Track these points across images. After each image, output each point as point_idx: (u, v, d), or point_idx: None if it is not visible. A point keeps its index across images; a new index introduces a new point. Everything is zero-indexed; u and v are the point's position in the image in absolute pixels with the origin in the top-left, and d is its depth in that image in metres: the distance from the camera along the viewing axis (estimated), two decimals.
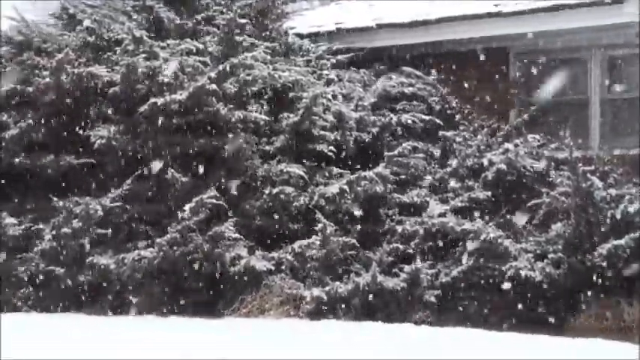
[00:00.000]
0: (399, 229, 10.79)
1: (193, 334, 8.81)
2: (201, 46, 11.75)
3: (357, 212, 10.90)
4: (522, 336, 8.71)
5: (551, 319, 9.87)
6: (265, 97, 11.64)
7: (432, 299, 10.15)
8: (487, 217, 10.58)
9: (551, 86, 11.94)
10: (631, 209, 9.99)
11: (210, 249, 10.41)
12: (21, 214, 11.29)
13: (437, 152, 11.66)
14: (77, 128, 11.40)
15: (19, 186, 11.62)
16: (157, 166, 10.94)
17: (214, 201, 10.56)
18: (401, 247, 10.63)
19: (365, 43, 12.66)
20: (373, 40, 12.67)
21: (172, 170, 10.74)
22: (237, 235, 10.53)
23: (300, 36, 12.87)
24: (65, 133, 11.51)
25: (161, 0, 12.43)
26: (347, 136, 11.54)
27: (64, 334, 9.12)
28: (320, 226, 10.39)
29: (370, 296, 10.08)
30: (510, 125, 11.72)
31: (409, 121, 11.73)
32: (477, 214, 10.65)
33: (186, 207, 10.45)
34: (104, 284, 10.78)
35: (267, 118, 11.30)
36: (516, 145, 10.95)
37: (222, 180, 10.94)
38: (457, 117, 11.96)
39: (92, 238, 10.87)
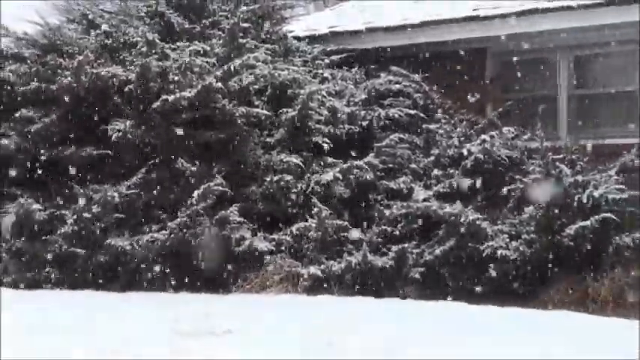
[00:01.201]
0: (387, 212, 10.78)
1: (203, 307, 8.88)
2: (208, 48, 11.73)
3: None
4: (498, 308, 8.74)
5: (524, 293, 9.89)
6: (266, 94, 11.64)
7: (417, 276, 10.18)
8: (467, 202, 10.57)
9: (524, 83, 11.95)
10: (596, 194, 10.00)
11: (216, 231, 10.46)
12: (45, 200, 11.29)
13: (421, 143, 11.63)
14: (96, 122, 11.38)
15: (43, 175, 11.59)
16: (168, 156, 10.99)
17: (220, 188, 10.60)
18: (389, 229, 10.64)
19: (356, 44, 12.65)
20: (363, 42, 12.66)
21: (182, 160, 10.76)
22: (241, 219, 10.57)
23: (298, 39, 12.85)
24: (85, 127, 11.49)
25: (172, 6, 12.41)
26: (340, 129, 11.54)
27: (87, 308, 9.21)
28: (316, 210, 10.45)
29: (361, 273, 10.15)
30: (487, 119, 11.69)
31: (396, 115, 11.71)
32: (457, 199, 10.62)
33: (195, 193, 10.49)
34: (121, 264, 10.81)
35: (267, 113, 11.32)
36: (492, 137, 10.93)
37: (228, 169, 10.95)
38: (439, 111, 11.89)
39: (110, 222, 10.91)
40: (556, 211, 10.07)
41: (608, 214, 9.86)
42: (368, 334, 7.41)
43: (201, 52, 11.64)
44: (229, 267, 10.59)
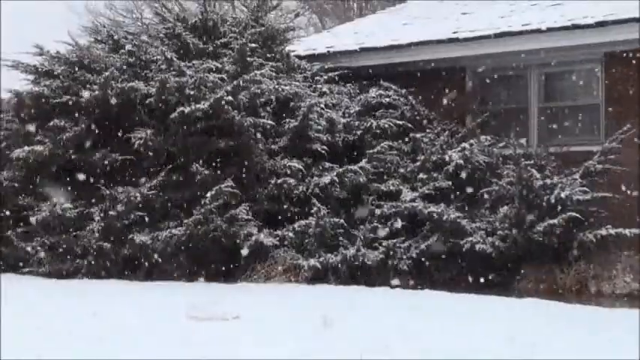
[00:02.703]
0: (378, 211, 10.80)
1: (215, 295, 8.92)
2: (219, 66, 11.70)
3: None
4: (475, 296, 8.80)
5: (499, 283, 9.93)
6: (271, 106, 11.60)
7: (405, 268, 10.23)
8: (448, 202, 10.61)
9: (499, 97, 11.97)
10: (562, 195, 10.03)
11: (227, 228, 10.47)
12: (75, 200, 11.33)
13: (408, 150, 11.59)
14: (120, 131, 11.39)
15: (73, 177, 11.58)
16: (184, 161, 11.01)
17: (230, 189, 10.60)
18: (379, 226, 10.65)
19: (351, 63, 12.59)
20: (357, 60, 12.60)
21: (197, 165, 10.76)
22: (248, 217, 10.58)
23: (299, 57, 12.79)
24: (110, 135, 11.52)
25: (187, 28, 12.35)
26: (337, 137, 11.52)
27: (112, 295, 9.28)
28: (315, 209, 10.48)
29: (355, 265, 10.19)
30: (466, 128, 11.64)
31: (386, 125, 11.65)
32: (440, 199, 10.66)
33: (208, 194, 10.51)
34: (142, 256, 10.84)
35: (272, 123, 11.29)
36: (471, 145, 10.89)
37: (237, 172, 10.94)
38: (424, 122, 11.85)
39: (132, 219, 10.96)
40: (527, 210, 10.10)
41: (574, 213, 9.90)
42: (360, 318, 7.50)
43: (214, 69, 11.62)
44: (238, 259, 10.60)
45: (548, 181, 10.31)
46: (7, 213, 11.93)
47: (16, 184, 11.90)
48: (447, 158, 10.94)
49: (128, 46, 12.33)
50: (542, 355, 5.87)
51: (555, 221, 9.86)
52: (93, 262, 11.03)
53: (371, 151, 11.32)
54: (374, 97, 12.08)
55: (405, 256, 10.31)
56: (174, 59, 11.58)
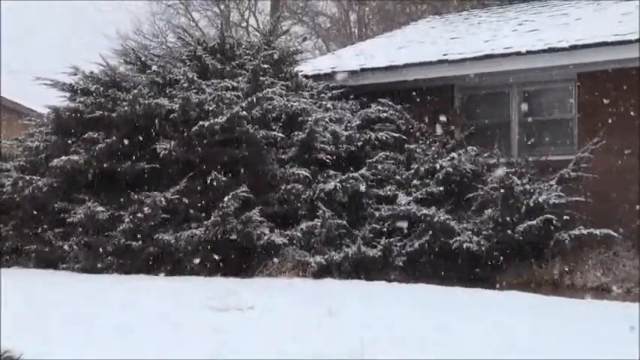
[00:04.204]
0: (377, 214, 10.83)
1: (231, 288, 8.98)
2: (235, 84, 11.74)
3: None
4: (462, 288, 8.86)
5: (484, 277, 9.96)
6: (281, 120, 11.63)
7: (400, 264, 10.25)
8: (439, 205, 10.61)
9: (484, 111, 12.01)
10: (540, 199, 10.08)
11: (242, 228, 10.49)
12: (107, 204, 11.36)
13: (403, 159, 11.61)
14: (147, 142, 11.44)
15: (106, 184, 11.66)
16: (204, 169, 11.04)
17: (245, 194, 10.63)
18: (377, 226, 10.68)
19: (352, 81, 12.60)
20: (358, 79, 12.62)
21: (215, 172, 10.79)
22: (261, 219, 10.58)
23: (306, 77, 12.78)
24: (138, 146, 11.56)
25: (207, 51, 12.40)
26: (339, 148, 11.52)
27: (139, 288, 9.35)
28: (320, 212, 10.50)
29: (356, 262, 10.20)
30: (455, 140, 11.70)
31: (383, 137, 11.69)
32: (432, 203, 10.67)
33: (225, 198, 10.53)
34: (166, 254, 10.88)
35: (282, 135, 11.32)
36: (459, 154, 10.92)
37: (251, 179, 10.96)
38: (417, 134, 11.89)
39: (158, 220, 10.98)
40: (509, 212, 10.14)
41: (550, 216, 9.94)
42: (360, 307, 7.58)
43: (230, 87, 11.66)
44: (252, 256, 10.64)
45: (527, 186, 10.35)
46: (47, 215, 12.04)
47: (54, 190, 11.97)
48: (437, 166, 10.96)
49: (154, 67, 12.41)
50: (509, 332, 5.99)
51: (534, 222, 9.90)
52: (122, 259, 11.08)
53: (370, 160, 11.35)
54: (373, 112, 12.11)
55: (400, 254, 10.32)
56: (195, 78, 11.64)
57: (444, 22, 15.75)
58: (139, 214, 10.93)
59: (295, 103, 11.63)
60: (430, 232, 10.33)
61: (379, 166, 11.29)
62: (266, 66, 12.06)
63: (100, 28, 32.39)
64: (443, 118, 12.02)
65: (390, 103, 12.15)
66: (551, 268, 9.88)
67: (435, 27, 15.17)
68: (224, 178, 10.79)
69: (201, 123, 10.88)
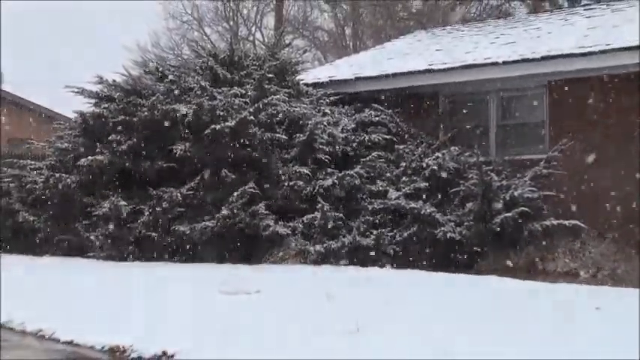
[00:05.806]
0: (370, 207, 10.81)
1: (240, 274, 9.04)
2: (243, 92, 11.77)
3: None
4: (447, 274, 8.91)
5: (466, 264, 9.95)
6: (284, 123, 11.63)
7: (391, 252, 10.23)
8: (425, 199, 10.57)
9: (465, 115, 12.00)
10: (515, 194, 10.08)
11: (250, 221, 10.53)
12: (129, 199, 11.42)
13: (393, 158, 11.53)
14: (164, 144, 11.47)
15: (128, 181, 11.72)
16: (215, 168, 11.06)
17: (252, 190, 10.68)
18: (371, 218, 10.66)
19: (347, 89, 12.57)
20: (353, 87, 12.57)
21: (225, 171, 10.83)
22: (267, 212, 10.63)
23: (307, 85, 12.74)
24: (157, 147, 11.60)
25: (218, 62, 12.40)
26: (336, 148, 11.51)
27: (158, 274, 9.40)
28: (319, 205, 10.49)
29: (352, 250, 10.20)
30: (440, 141, 11.64)
31: (376, 139, 11.66)
32: (419, 197, 10.63)
33: (234, 194, 10.59)
34: (182, 244, 10.93)
35: (285, 137, 11.34)
36: (443, 154, 10.91)
37: (257, 177, 11.00)
38: (406, 136, 11.86)
39: (174, 214, 11.03)
40: (488, 205, 10.12)
41: (524, 208, 9.94)
42: (356, 291, 7.62)
43: (239, 94, 11.68)
44: (259, 246, 10.66)
45: (504, 182, 10.35)
46: (75, 209, 12.09)
47: (81, 186, 12.02)
48: (424, 165, 10.94)
49: (170, 76, 12.44)
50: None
51: (510, 214, 9.89)
52: (143, 249, 11.15)
53: (364, 159, 11.34)
54: (366, 117, 12.08)
55: (391, 242, 10.31)
56: (208, 87, 11.66)
57: (430, 35, 15.75)
58: (158, 208, 10.98)
59: (297, 109, 11.64)
60: (417, 224, 10.31)
61: (372, 165, 11.28)
62: (271, 75, 12.08)
63: (119, 39, 32.44)
64: (429, 122, 12.00)
65: (382, 108, 12.12)
66: (525, 255, 9.87)
67: (421, 40, 15.17)
68: (233, 176, 10.83)
69: (212, 126, 10.91)
